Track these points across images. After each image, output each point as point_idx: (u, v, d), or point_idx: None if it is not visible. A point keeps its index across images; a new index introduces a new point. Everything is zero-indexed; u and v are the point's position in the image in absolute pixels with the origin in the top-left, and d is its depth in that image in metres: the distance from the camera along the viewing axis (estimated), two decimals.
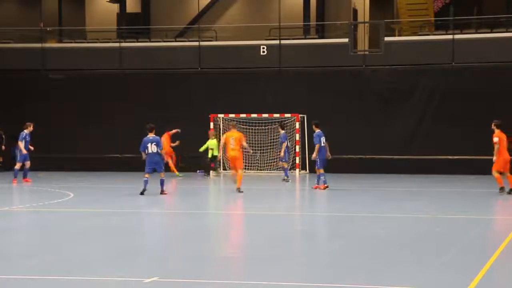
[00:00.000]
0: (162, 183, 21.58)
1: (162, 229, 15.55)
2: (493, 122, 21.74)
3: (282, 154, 26.94)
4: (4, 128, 31.03)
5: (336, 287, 9.55)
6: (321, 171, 22.83)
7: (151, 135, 21.63)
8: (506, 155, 21.33)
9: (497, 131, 21.45)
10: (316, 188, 22.87)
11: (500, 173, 21.31)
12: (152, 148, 21.46)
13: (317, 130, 22.95)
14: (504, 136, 21.45)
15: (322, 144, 22.79)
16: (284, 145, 26.85)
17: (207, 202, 22.02)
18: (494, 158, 21.22)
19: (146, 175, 21.62)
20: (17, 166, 25.87)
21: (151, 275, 9.87)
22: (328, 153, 23.01)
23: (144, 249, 12.47)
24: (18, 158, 25.86)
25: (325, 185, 22.74)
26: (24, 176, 26.02)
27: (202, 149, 29.18)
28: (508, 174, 21.41)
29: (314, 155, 22.85)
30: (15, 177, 25.66)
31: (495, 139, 21.30)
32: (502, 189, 21.16)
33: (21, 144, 25.76)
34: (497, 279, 9.90)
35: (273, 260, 11.52)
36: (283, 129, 27.51)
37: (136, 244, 12.90)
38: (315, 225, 16.09)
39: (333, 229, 15.41)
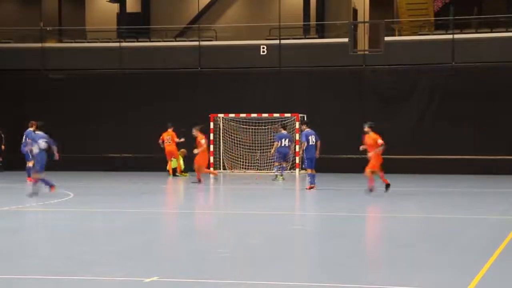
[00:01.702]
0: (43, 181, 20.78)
1: (162, 229, 15.54)
2: (366, 124, 21.64)
3: (272, 152, 27.47)
4: (4, 128, 31.02)
5: (336, 287, 9.55)
6: (309, 171, 22.58)
7: (39, 132, 20.97)
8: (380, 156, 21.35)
9: (371, 133, 21.31)
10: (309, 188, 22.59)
11: (372, 172, 21.32)
12: (42, 144, 20.71)
13: (306, 129, 22.68)
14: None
15: (311, 143, 22.51)
16: (276, 144, 26.91)
17: (206, 202, 22.01)
18: (370, 155, 21.33)
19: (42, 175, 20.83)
20: (30, 164, 25.88)
21: (151, 275, 9.87)
22: (317, 152, 22.73)
23: (144, 249, 12.46)
24: (30, 157, 25.86)
25: (311, 185, 22.47)
26: (29, 175, 26.02)
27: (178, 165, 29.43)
28: (381, 173, 21.57)
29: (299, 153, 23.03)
30: (29, 175, 25.75)
31: (380, 141, 21.24)
32: (372, 188, 21.12)
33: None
34: (497, 279, 9.90)
35: (273, 260, 11.52)
36: (284, 129, 27.43)
37: (136, 244, 12.90)
38: (315, 225, 16.09)
39: (333, 229, 15.40)
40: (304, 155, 22.69)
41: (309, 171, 22.68)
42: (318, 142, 22.66)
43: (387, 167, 29.82)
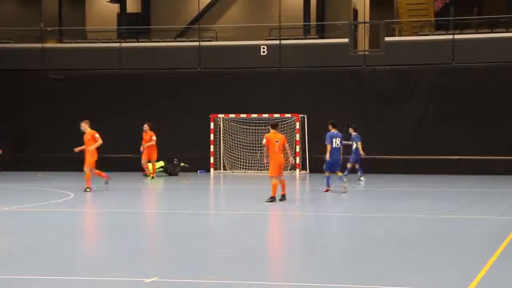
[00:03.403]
0: None
1: (162, 229, 15.54)
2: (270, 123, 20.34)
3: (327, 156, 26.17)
4: (4, 128, 31.03)
5: (336, 287, 9.55)
6: (327, 174, 21.82)
7: None
8: (279, 158, 19.42)
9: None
10: (326, 191, 21.82)
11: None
12: None
13: (332, 130, 21.89)
14: (278, 138, 19.52)
15: (335, 146, 21.73)
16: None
17: (206, 202, 22.00)
18: (266, 161, 19.65)
19: None
20: None
21: (151, 275, 9.87)
22: (340, 156, 22.01)
23: (144, 249, 12.47)
24: None
25: (327, 188, 21.86)
26: None
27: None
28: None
29: (327, 156, 21.56)
30: None
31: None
32: (274, 198, 19.22)
33: None
34: (497, 279, 9.90)
35: (274, 260, 11.53)
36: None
37: (136, 244, 12.90)
38: (315, 225, 16.09)
39: (333, 229, 15.41)
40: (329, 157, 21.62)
41: (327, 173, 21.83)
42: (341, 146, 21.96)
43: (387, 167, 29.99)
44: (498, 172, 29.14)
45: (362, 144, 25.73)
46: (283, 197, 19.43)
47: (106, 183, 23.07)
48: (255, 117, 30.68)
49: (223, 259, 11.34)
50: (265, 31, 33.29)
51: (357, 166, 26.07)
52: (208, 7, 36.51)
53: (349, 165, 25.84)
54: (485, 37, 30.61)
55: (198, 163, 30.85)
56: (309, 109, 30.32)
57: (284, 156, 19.91)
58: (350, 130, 26.04)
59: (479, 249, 12.32)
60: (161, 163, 29.60)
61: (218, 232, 14.94)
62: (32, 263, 11.01)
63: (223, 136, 31.32)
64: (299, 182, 27.55)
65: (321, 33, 34.12)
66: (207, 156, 30.79)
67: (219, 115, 31.16)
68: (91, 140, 22.29)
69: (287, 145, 19.94)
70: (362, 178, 25.86)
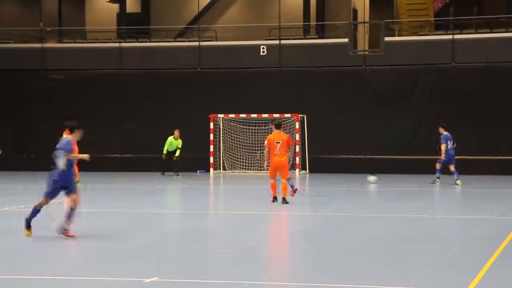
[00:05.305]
0: None
1: (162, 229, 15.54)
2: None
3: (443, 156, 25.04)
4: (4, 128, 31.02)
5: (336, 287, 9.55)
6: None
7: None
8: (277, 160, 18.80)
9: (276, 131, 18.95)
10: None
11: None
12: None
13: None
14: (279, 138, 18.74)
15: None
16: (443, 146, 25.06)
17: (207, 203, 22.01)
18: (267, 163, 19.18)
19: None
20: None
21: (151, 275, 9.87)
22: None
23: (144, 249, 12.46)
24: None
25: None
26: None
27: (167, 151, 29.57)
28: (283, 180, 19.01)
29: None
30: None
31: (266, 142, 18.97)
32: (275, 198, 19.01)
33: None
34: (497, 279, 9.90)
35: (273, 260, 11.53)
36: (445, 130, 25.56)
37: (136, 244, 12.90)
38: (315, 225, 16.08)
39: (333, 229, 15.40)
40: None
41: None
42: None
43: (387, 167, 29.95)
44: (498, 172, 29.14)
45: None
46: (284, 201, 18.82)
47: None
48: (254, 117, 30.68)
49: (223, 259, 11.34)
50: (265, 31, 33.29)
51: (452, 168, 25.11)
52: (208, 7, 36.52)
53: (452, 168, 24.98)
54: (485, 37, 30.61)
55: (198, 163, 30.84)
56: (309, 109, 30.31)
57: (288, 156, 19.37)
58: (441, 129, 25.20)
59: (479, 249, 12.32)
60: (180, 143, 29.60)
61: (218, 232, 14.94)
62: (32, 263, 11.01)
63: (222, 136, 31.32)
64: (299, 182, 27.51)
65: (321, 33, 34.12)
66: (207, 156, 30.79)
67: (219, 115, 31.16)
68: None
69: (291, 145, 19.61)
70: (458, 181, 24.92)
